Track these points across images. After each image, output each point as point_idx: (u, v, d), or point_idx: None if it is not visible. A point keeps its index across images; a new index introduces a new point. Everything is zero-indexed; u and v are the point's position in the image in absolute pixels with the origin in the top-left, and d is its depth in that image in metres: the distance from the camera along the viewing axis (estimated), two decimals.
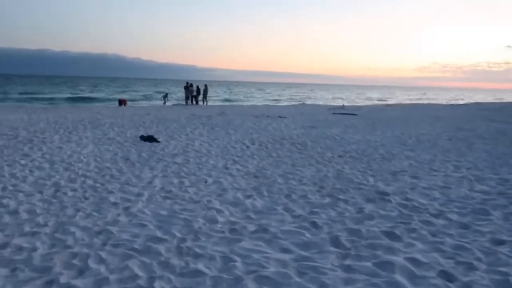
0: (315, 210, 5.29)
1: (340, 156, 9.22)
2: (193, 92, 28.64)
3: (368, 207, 5.39)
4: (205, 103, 29.81)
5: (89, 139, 10.70)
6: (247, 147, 10.24)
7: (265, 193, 6.10)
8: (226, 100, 44.18)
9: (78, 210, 5.17)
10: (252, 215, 5.08)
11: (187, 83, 28.49)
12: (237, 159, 8.70)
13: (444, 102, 52.22)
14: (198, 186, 6.48)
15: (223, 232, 4.50)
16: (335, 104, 37.85)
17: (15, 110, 21.15)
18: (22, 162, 7.84)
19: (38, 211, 5.11)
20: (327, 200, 5.78)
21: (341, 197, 5.91)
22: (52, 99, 37.73)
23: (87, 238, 4.28)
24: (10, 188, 6.12)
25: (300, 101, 43.95)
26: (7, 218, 4.82)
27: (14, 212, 5.03)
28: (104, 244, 4.12)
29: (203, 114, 18.68)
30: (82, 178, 6.77)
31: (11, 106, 27.20)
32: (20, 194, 5.79)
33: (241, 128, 13.97)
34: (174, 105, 30.83)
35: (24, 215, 4.95)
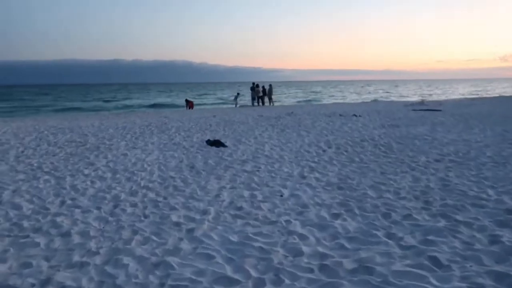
0: (429, 238, 3.98)
1: (437, 161, 7.67)
2: (259, 93, 27.91)
3: (506, 235, 3.96)
4: (271, 103, 28.98)
5: (155, 145, 10.21)
6: (324, 151, 9.05)
7: (356, 211, 4.90)
8: (294, 100, 43.02)
9: (135, 232, 4.39)
10: (346, 244, 3.93)
11: (253, 83, 27.83)
12: (314, 165, 7.56)
13: None
14: (272, 200, 5.45)
15: (311, 270, 3.41)
16: (412, 99, 34.97)
17: (89, 117, 21.93)
18: (86, 171, 7.41)
19: (92, 233, 4.41)
20: (442, 222, 4.42)
21: (459, 217, 4.52)
22: (126, 105, 39.39)
23: (142, 274, 3.42)
24: (69, 202, 5.58)
25: (372, 98, 41.36)
26: (57, 243, 4.17)
27: (67, 235, 4.38)
28: (161, 285, 3.23)
29: (271, 115, 17.74)
30: (144, 191, 6.08)
31: (84, 114, 28.56)
32: (77, 211, 5.19)
33: (314, 129, 12.77)
34: (241, 106, 30.39)
35: (76, 239, 4.27)
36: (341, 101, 38.94)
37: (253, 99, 28.11)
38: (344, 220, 4.62)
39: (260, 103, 28.34)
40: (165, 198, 5.70)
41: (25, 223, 4.76)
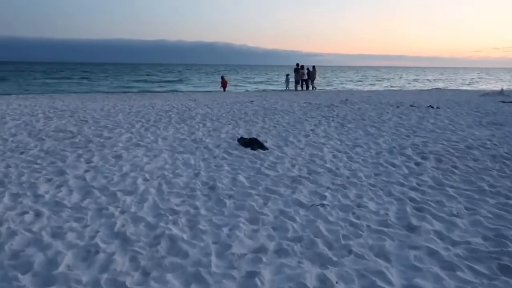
0: None
1: None
2: (304, 76, 24.41)
3: None
4: (313, 87, 25.45)
5: (167, 141, 7.31)
6: (417, 164, 5.80)
7: None
8: (339, 84, 38.99)
9: None
10: None
11: (297, 65, 24.29)
12: (418, 196, 4.40)
13: None
14: None
15: None
16: (484, 87, 30.22)
17: (108, 98, 19.46)
18: (42, 188, 4.61)
19: None
20: None
21: None
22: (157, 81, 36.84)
23: None
24: None
25: (430, 86, 36.54)
26: None
27: None
28: None
29: (321, 103, 14.43)
30: (109, 249, 3.14)
31: (104, 95, 26.30)
32: None
33: (385, 124, 9.41)
34: (282, 90, 27.07)
35: None
36: (397, 88, 34.54)
37: (296, 82, 24.67)
38: None
39: (304, 87, 24.90)
40: (139, 285, 2.73)
41: None
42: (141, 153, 6.37)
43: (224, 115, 10.89)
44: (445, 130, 8.63)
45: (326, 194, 4.49)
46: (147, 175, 5.16)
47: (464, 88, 34.66)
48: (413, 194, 4.51)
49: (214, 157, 6.16)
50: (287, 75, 26.64)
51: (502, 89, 21.70)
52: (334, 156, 6.27)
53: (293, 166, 5.66)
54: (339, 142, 7.34)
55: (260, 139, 7.34)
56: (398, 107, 12.94)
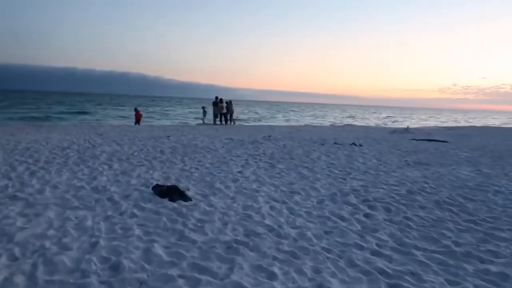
0: None
1: None
2: (223, 109, 23.57)
3: None
4: (232, 122, 24.69)
5: (57, 192, 5.62)
6: (367, 215, 5.03)
7: None
8: (255, 119, 38.94)
9: None
10: None
11: (216, 98, 23.42)
12: (386, 265, 3.49)
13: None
14: None
15: None
16: (394, 126, 32.33)
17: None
18: None
19: None
20: None
21: None
22: (47, 117, 32.71)
23: None
24: None
25: (342, 122, 38.32)
26: None
27: None
28: None
29: (244, 139, 13.53)
30: None
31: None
32: None
33: (316, 164, 8.73)
34: (198, 124, 25.87)
35: None
36: (308, 123, 35.49)
37: (215, 116, 23.70)
38: None
39: (223, 122, 24.03)
40: None
41: None
42: (16, 211, 4.64)
43: (136, 153, 9.32)
44: (378, 171, 8.18)
45: (275, 270, 3.37)
46: (16, 250, 3.55)
47: (371, 125, 36.99)
48: (380, 263, 3.59)
49: (121, 214, 4.69)
50: (203, 107, 25.60)
51: (407, 127, 23.19)
52: (272, 208, 5.22)
53: (225, 224, 4.46)
54: (273, 188, 6.34)
55: (181, 186, 6.03)
56: (323, 144, 12.56)
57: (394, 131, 22.22)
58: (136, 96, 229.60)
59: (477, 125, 43.18)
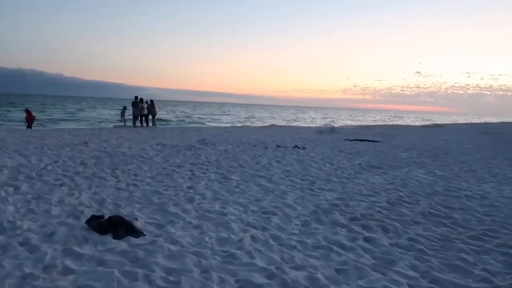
0: None
1: None
2: (144, 110, 21.39)
3: None
4: (154, 123, 22.58)
5: None
6: (367, 239, 4.18)
7: None
8: (172, 120, 36.67)
9: None
10: None
11: (136, 97, 21.11)
12: None
13: (417, 123, 49.95)
14: None
15: None
16: (320, 125, 32.69)
17: None
18: None
19: None
20: None
21: None
22: None
23: None
24: None
25: (264, 123, 37.91)
26: None
27: None
28: None
29: (178, 144, 12.02)
30: None
31: None
32: None
33: (272, 173, 7.73)
34: (116, 126, 23.31)
35: None
36: (229, 125, 34.46)
37: (135, 117, 21.42)
38: None
39: (144, 123, 21.87)
40: None
41: None
42: None
43: (49, 167, 7.36)
44: (340, 178, 7.48)
45: None
46: None
47: (293, 124, 37.29)
48: None
49: (46, 271, 3.15)
50: (124, 107, 22.94)
51: (333, 127, 23.54)
52: (255, 239, 4.06)
53: (206, 273, 3.20)
54: (241, 208, 5.17)
55: (124, 214, 4.56)
56: (266, 148, 11.64)
57: (321, 130, 22.32)
58: (34, 95, 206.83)
59: (387, 123, 46.40)
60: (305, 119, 55.82)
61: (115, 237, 3.92)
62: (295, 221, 4.74)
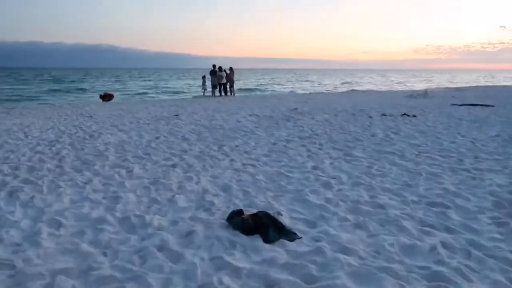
0: None
1: None
2: (223, 79, 20.81)
3: None
4: (232, 93, 21.95)
5: (62, 239, 3.24)
6: None
7: None
8: (251, 89, 35.78)
9: None
10: None
11: (214, 66, 20.51)
12: None
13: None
14: None
15: None
16: (404, 89, 30.21)
17: None
18: None
19: None
20: None
21: None
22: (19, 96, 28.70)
23: None
24: None
25: (342, 89, 35.75)
26: None
27: None
28: None
29: (271, 114, 11.16)
30: None
31: None
32: None
33: (398, 147, 6.52)
34: (195, 97, 23.10)
35: None
36: (307, 92, 32.86)
37: (214, 87, 20.95)
38: None
39: (223, 93, 21.36)
40: None
41: None
42: None
43: (153, 144, 6.85)
44: (492, 155, 6.05)
45: None
46: None
47: (376, 89, 34.55)
48: None
49: None
50: (203, 76, 22.40)
51: (426, 90, 21.19)
52: (448, 247, 3.00)
53: None
54: (397, 198, 4.10)
55: (260, 204, 3.73)
56: (370, 116, 10.33)
57: (412, 95, 20.21)
58: (109, 68, 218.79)
59: (479, 85, 41.65)
60: (385, 82, 52.25)
61: (265, 240, 3.10)
62: (482, 217, 3.59)
